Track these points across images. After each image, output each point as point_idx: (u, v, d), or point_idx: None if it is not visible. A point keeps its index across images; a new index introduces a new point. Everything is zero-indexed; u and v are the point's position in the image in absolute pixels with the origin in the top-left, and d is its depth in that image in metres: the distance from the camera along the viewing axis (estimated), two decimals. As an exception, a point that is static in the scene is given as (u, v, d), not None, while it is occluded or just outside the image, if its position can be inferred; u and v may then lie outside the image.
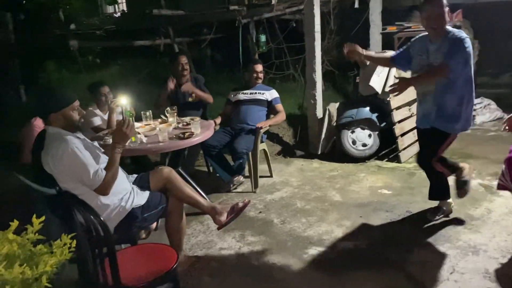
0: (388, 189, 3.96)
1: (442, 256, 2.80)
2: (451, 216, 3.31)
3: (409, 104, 4.97)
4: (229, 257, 3.00)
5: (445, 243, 2.96)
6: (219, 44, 8.82)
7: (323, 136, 5.00)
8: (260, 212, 3.68)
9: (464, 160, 4.46)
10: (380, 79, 4.61)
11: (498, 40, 7.47)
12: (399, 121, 4.76)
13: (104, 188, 2.28)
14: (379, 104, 4.79)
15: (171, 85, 4.35)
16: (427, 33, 2.99)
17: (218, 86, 6.68)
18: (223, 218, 2.68)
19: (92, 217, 1.84)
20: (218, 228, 2.74)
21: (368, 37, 6.18)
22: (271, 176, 4.46)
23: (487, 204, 3.49)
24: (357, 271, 2.71)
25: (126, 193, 2.50)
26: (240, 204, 2.75)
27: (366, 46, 6.26)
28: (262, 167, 4.50)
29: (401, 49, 3.24)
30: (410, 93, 5.03)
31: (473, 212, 3.37)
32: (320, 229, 3.30)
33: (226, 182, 4.15)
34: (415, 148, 4.92)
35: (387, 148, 4.81)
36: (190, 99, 4.43)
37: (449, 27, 2.88)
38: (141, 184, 2.66)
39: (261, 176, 4.41)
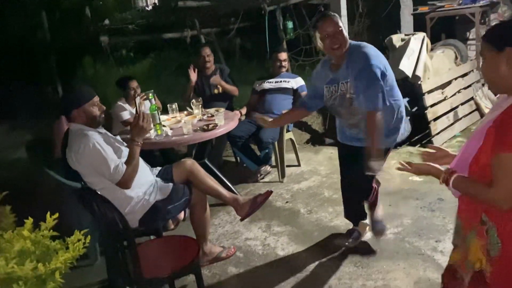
0: (419, 176, 3.83)
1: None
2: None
3: (442, 87, 4.78)
4: (254, 247, 3.01)
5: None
6: (248, 33, 8.78)
7: (352, 122, 4.89)
8: (287, 202, 3.66)
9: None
10: (410, 62, 4.45)
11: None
12: (431, 105, 4.58)
13: (125, 182, 2.33)
14: (410, 87, 4.62)
15: (193, 75, 4.37)
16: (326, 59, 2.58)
17: (247, 75, 6.67)
18: (245, 210, 2.68)
19: (111, 211, 1.89)
20: (241, 219, 2.74)
21: (399, 18, 5.94)
22: (299, 165, 4.42)
23: None
24: (385, 262, 2.65)
25: (150, 186, 2.55)
26: (263, 195, 2.74)
27: (397, 27, 6.04)
28: (290, 156, 4.47)
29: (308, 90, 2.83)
30: (443, 75, 4.87)
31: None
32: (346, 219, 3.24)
33: (253, 172, 4.16)
34: (450, 132, 4.74)
35: (420, 133, 4.65)
36: (215, 91, 4.46)
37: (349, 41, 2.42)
38: (165, 176, 2.70)
39: (288, 166, 4.38)
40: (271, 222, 3.33)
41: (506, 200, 1.34)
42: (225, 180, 3.67)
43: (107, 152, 2.31)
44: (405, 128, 2.64)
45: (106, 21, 7.00)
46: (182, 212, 3.14)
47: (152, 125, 2.83)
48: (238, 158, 4.51)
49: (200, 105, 3.83)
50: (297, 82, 4.33)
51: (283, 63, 4.33)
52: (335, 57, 2.45)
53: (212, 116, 3.64)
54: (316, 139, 5.19)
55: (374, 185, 2.82)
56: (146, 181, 2.53)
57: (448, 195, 3.37)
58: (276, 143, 4.06)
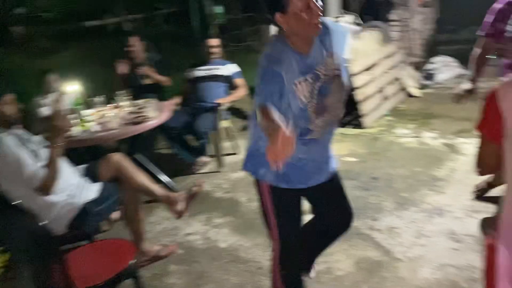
0: (353, 156, 3.93)
1: (408, 221, 2.79)
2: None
3: (369, 68, 4.91)
4: (195, 242, 2.91)
5: (411, 207, 2.95)
6: (178, 18, 8.51)
7: (287, 107, 4.89)
8: (227, 192, 3.59)
9: (427, 121, 4.51)
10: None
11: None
12: (360, 87, 4.69)
13: (45, 188, 2.13)
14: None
15: (122, 69, 4.14)
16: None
17: (178, 62, 6.45)
18: (181, 206, 2.57)
19: (30, 221, 1.70)
20: (177, 218, 2.62)
21: (327, 1, 6.01)
22: (236, 153, 4.35)
23: (450, 164, 3.51)
24: (326, 244, 2.67)
25: (76, 188, 2.36)
26: (196, 188, 2.64)
27: (325, 11, 6.10)
28: (228, 145, 4.39)
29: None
30: (370, 57, 5.00)
31: (437, 173, 3.38)
32: (287, 204, 3.24)
33: (190, 164, 4.03)
34: (379, 112, 4.91)
35: (350, 114, 4.76)
36: (146, 81, 4.27)
37: None
38: (90, 175, 2.51)
39: (226, 154, 4.30)
40: (211, 214, 3.24)
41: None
42: (160, 175, 3.52)
43: (21, 156, 2.08)
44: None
45: (21, 10, 6.43)
46: (116, 212, 2.97)
47: (73, 122, 2.61)
48: (174, 150, 4.33)
49: (129, 97, 3.61)
50: (230, 69, 4.23)
51: (214, 50, 4.20)
52: (307, 38, 1.65)
53: (142, 108, 3.44)
54: (252, 126, 5.14)
55: None
56: (70, 183, 2.34)
57: (381, 173, 3.50)
58: (212, 132, 3.95)
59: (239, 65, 4.45)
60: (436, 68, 6.17)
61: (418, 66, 6.16)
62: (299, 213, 1.91)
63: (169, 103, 3.90)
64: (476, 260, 2.32)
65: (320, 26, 1.59)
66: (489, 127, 1.45)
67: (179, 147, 4.02)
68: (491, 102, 1.44)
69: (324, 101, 1.72)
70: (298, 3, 1.53)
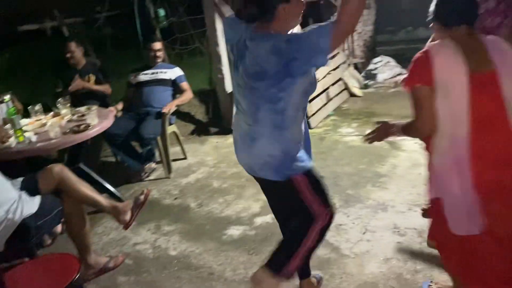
0: (301, 157, 4.00)
1: (354, 218, 2.88)
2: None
3: (314, 69, 5.02)
4: (144, 251, 2.84)
5: (357, 203, 3.05)
6: (119, 21, 8.26)
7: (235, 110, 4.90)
8: (176, 198, 3.54)
9: (369, 119, 4.67)
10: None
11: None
12: (307, 88, 4.79)
13: None
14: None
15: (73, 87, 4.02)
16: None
17: (122, 67, 6.27)
18: (127, 216, 2.49)
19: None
20: (124, 228, 2.55)
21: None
22: (185, 158, 4.31)
23: (392, 160, 3.66)
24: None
25: (13, 203, 2.21)
26: (143, 196, 2.57)
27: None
28: (175, 150, 4.33)
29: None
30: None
31: (380, 169, 3.52)
32: (237, 207, 3.24)
33: (136, 171, 3.93)
34: (324, 112, 5.03)
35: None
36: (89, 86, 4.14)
37: None
38: (29, 188, 2.37)
39: (175, 160, 4.24)
40: (160, 222, 3.18)
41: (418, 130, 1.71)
42: (106, 184, 3.41)
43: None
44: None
45: None
46: (60, 225, 2.84)
47: (9, 133, 2.47)
48: (119, 158, 4.21)
49: (69, 104, 3.47)
50: (175, 73, 4.17)
51: (158, 53, 4.12)
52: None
53: (84, 115, 3.32)
54: (201, 130, 5.11)
55: None
56: (7, 198, 2.19)
57: (327, 172, 3.58)
58: (158, 137, 3.87)
59: (186, 68, 4.40)
60: (377, 68, 6.42)
61: (359, 67, 6.38)
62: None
63: (111, 109, 3.79)
64: (418, 252, 2.45)
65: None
66: (420, 75, 1.64)
67: (124, 155, 3.90)
68: (421, 56, 1.65)
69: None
70: None
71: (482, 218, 1.62)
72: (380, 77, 6.24)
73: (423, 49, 1.68)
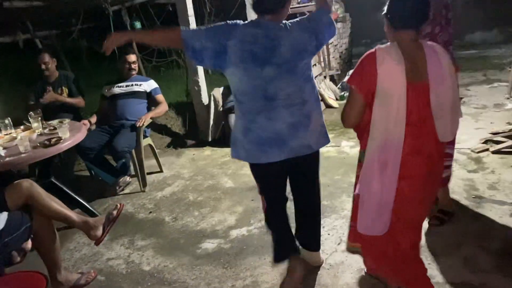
0: (278, 168, 4.00)
1: (329, 228, 2.88)
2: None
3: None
4: (117, 267, 2.78)
5: (332, 214, 3.06)
6: (95, 33, 8.19)
7: (211, 122, 4.89)
8: (151, 212, 3.48)
9: (345, 130, 4.72)
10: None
11: (368, 12, 7.99)
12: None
13: None
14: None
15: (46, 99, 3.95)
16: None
17: (98, 79, 6.20)
18: (99, 232, 2.44)
19: None
20: (96, 244, 2.49)
21: (247, 17, 6.13)
22: (161, 171, 4.26)
23: (367, 170, 3.69)
24: (251, 258, 2.68)
25: (-22, 220, 2.15)
26: (115, 211, 2.53)
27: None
28: (151, 163, 4.28)
29: None
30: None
31: (354, 179, 3.53)
32: (213, 220, 3.22)
33: (111, 185, 3.86)
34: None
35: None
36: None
37: None
38: (-4, 204, 2.30)
39: (150, 173, 4.20)
40: (134, 236, 3.12)
41: (347, 119, 1.88)
42: (79, 198, 3.34)
43: None
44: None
45: None
46: (29, 241, 2.75)
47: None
48: (93, 172, 4.14)
49: (40, 118, 3.40)
50: (150, 85, 4.14)
51: (133, 66, 4.09)
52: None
53: (55, 129, 3.25)
54: (178, 142, 5.07)
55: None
56: (-27, 215, 2.13)
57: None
58: (133, 150, 3.82)
59: (163, 80, 4.38)
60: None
61: (335, 79, 6.47)
62: None
63: (84, 122, 3.73)
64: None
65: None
66: (362, 82, 1.77)
67: (98, 168, 3.84)
68: (368, 62, 1.75)
69: None
70: None
71: (390, 218, 1.82)
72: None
73: (371, 51, 1.78)
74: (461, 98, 5.21)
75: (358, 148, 4.15)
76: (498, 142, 3.81)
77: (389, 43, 1.82)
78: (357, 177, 1.98)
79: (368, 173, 1.84)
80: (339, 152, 4.22)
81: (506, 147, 3.66)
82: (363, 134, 1.89)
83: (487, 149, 3.74)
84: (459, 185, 3.19)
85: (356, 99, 1.81)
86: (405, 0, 1.78)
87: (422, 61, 1.74)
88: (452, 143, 2.62)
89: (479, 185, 3.17)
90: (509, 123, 4.24)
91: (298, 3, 6.02)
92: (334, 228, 2.88)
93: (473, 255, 2.41)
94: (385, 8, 1.82)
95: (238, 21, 1.99)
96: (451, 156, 2.71)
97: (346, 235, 2.74)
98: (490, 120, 4.45)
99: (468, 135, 4.02)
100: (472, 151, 3.75)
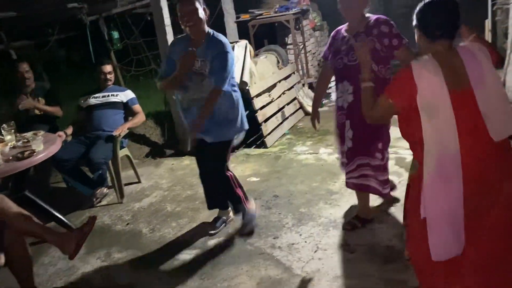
0: (256, 176, 4.02)
1: (306, 236, 2.90)
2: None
3: (268, 90, 5.11)
4: (93, 281, 2.75)
5: (309, 221, 3.08)
6: (74, 44, 8.14)
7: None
8: (128, 223, 3.45)
9: (323, 137, 4.77)
10: (236, 69, 4.62)
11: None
12: (261, 108, 4.85)
13: None
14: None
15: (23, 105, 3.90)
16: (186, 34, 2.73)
17: (77, 89, 6.14)
18: (72, 246, 2.40)
19: None
20: (70, 258, 2.44)
21: (224, 26, 6.17)
22: (139, 181, 4.23)
23: (344, 177, 3.72)
24: (228, 268, 2.67)
25: None
26: (88, 224, 2.49)
27: (223, 35, 6.25)
28: (129, 174, 4.25)
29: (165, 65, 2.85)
30: (268, 79, 5.21)
31: (332, 186, 3.58)
32: (191, 230, 3.20)
33: (88, 197, 3.82)
34: (280, 131, 5.10)
35: (253, 135, 4.88)
36: (36, 112, 4.02)
37: (209, 29, 2.71)
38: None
39: (128, 184, 4.16)
40: (111, 249, 3.09)
41: (372, 118, 1.95)
42: (54, 212, 3.28)
43: None
44: (243, 121, 2.93)
45: None
46: (2, 256, 2.70)
47: None
48: (69, 184, 4.08)
49: (13, 130, 3.33)
50: (126, 95, 4.12)
51: (108, 76, 4.06)
52: (192, 35, 2.67)
53: (29, 141, 3.20)
54: (156, 152, 5.04)
55: (229, 173, 2.99)
56: None
57: (282, 191, 3.61)
58: (110, 162, 3.79)
59: (142, 89, 4.36)
60: (331, 87, 6.58)
61: (314, 86, 6.53)
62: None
63: (59, 134, 3.69)
64: (368, 268, 2.49)
65: (193, 29, 2.62)
66: (401, 97, 1.77)
67: (74, 180, 3.79)
68: (406, 77, 1.73)
69: (187, 82, 2.69)
70: (179, 11, 2.61)
71: (465, 235, 1.69)
72: (334, 95, 6.38)
73: (406, 68, 1.77)
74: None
75: (335, 155, 4.21)
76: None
77: (424, 57, 1.78)
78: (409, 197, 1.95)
79: (431, 192, 1.74)
80: (317, 159, 4.26)
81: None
82: (415, 148, 1.83)
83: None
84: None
85: (391, 109, 1.84)
86: (440, 9, 1.75)
87: (461, 67, 1.71)
88: (376, 152, 2.70)
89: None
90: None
91: (275, 12, 6.08)
92: (311, 236, 2.89)
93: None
94: (415, 19, 1.80)
95: None
96: (378, 168, 2.73)
97: (324, 243, 2.77)
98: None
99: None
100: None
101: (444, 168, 1.69)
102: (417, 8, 1.80)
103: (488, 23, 5.38)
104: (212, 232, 3.06)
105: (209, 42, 2.67)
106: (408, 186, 2.07)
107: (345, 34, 2.74)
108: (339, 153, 3.03)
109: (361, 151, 2.72)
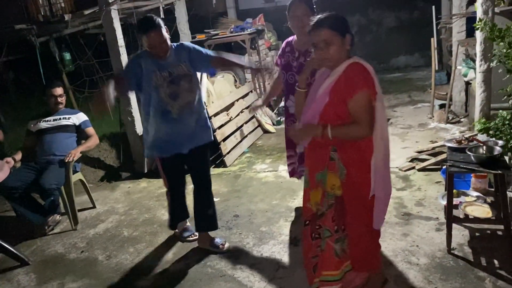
0: (216, 196, 3.94)
1: (268, 255, 2.88)
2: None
3: (226, 109, 5.11)
4: (44, 315, 2.59)
5: (270, 240, 3.06)
6: (23, 65, 7.85)
7: (147, 153, 4.77)
8: (82, 251, 3.30)
9: (282, 154, 4.81)
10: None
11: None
12: (219, 127, 4.84)
13: None
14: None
15: None
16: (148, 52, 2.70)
17: (26, 113, 5.90)
18: None
19: None
20: None
21: (181, 46, 6.15)
22: (94, 206, 4.07)
23: (302, 193, 3.75)
24: (189, 292, 2.60)
25: None
26: None
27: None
28: (83, 199, 4.09)
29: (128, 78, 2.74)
30: (226, 98, 5.22)
31: (292, 203, 3.59)
32: (149, 255, 3.11)
33: (39, 225, 3.63)
34: (239, 150, 5.09)
35: (212, 154, 4.85)
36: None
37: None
38: None
39: (82, 209, 4.01)
40: (64, 279, 2.94)
41: (370, 129, 1.92)
42: (2, 243, 3.10)
43: None
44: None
45: None
46: None
47: None
48: (19, 212, 3.86)
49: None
50: (79, 118, 3.99)
51: (59, 99, 3.92)
52: (161, 56, 2.69)
53: (-28, 169, 3.03)
54: (112, 175, 4.89)
55: None
56: None
57: (242, 210, 3.59)
58: (62, 187, 3.63)
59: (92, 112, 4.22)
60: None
61: (272, 104, 6.60)
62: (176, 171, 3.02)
63: (6, 160, 3.51)
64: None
65: (165, 56, 2.68)
66: (373, 88, 1.93)
67: (24, 208, 3.59)
68: (365, 71, 1.93)
69: (175, 89, 2.71)
70: (148, 43, 2.60)
71: None
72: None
73: (359, 64, 1.95)
74: (389, 119, 5.51)
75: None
76: (423, 160, 4.05)
77: (355, 57, 1.99)
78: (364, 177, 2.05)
79: (382, 172, 2.01)
80: (277, 176, 4.28)
81: (430, 164, 3.89)
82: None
83: (413, 167, 3.96)
84: (389, 203, 3.33)
85: (369, 101, 1.93)
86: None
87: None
88: None
89: (407, 202, 3.33)
90: (432, 142, 4.52)
91: (231, 32, 6.14)
92: (272, 254, 2.88)
93: (403, 272, 2.50)
94: (349, 28, 1.99)
95: None
96: None
97: (285, 261, 2.76)
98: (416, 139, 4.72)
99: (396, 155, 4.23)
100: (400, 169, 3.95)
101: (385, 149, 2.00)
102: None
103: (433, 41, 5.67)
104: (187, 234, 3.20)
105: (176, 51, 2.76)
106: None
107: (295, 49, 2.99)
108: (287, 157, 3.31)
109: None
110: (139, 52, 2.96)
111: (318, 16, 1.99)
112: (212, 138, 3.00)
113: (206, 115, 2.98)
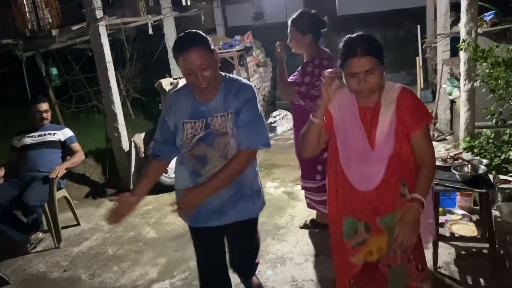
0: (202, 214, 3.93)
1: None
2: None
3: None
4: (24, 337, 2.51)
5: (257, 259, 3.02)
6: (9, 80, 7.78)
7: (133, 169, 4.73)
8: (65, 270, 3.23)
9: (270, 171, 4.79)
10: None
11: (287, 56, 8.37)
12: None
13: None
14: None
15: None
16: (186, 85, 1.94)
17: (12, 127, 5.80)
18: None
19: None
20: None
21: (169, 62, 6.16)
22: (78, 224, 4.00)
23: (290, 211, 3.75)
24: (174, 313, 2.55)
25: None
26: None
27: (167, 71, 6.25)
28: (67, 216, 4.02)
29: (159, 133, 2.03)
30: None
31: (279, 221, 3.57)
32: (133, 274, 3.05)
33: (20, 243, 3.54)
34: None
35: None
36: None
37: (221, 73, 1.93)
38: None
39: (66, 227, 3.93)
40: (45, 299, 2.86)
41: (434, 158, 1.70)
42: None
43: None
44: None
45: None
46: None
47: None
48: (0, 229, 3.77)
49: None
50: (64, 134, 3.94)
51: (44, 115, 3.88)
52: (204, 95, 1.87)
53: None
54: (97, 192, 4.81)
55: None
56: None
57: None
58: (46, 204, 3.56)
59: (83, 126, 4.18)
60: (276, 121, 6.72)
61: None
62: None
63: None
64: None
65: (208, 90, 1.82)
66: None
67: (5, 226, 3.51)
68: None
69: (203, 150, 1.87)
70: (184, 68, 1.78)
71: None
72: (279, 129, 6.52)
73: (405, 86, 1.89)
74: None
75: (282, 189, 4.23)
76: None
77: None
78: None
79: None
80: (265, 193, 4.24)
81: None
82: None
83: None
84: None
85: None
86: None
87: None
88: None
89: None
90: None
91: (219, 49, 6.17)
92: (258, 273, 2.82)
93: None
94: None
95: None
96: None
97: (272, 280, 2.73)
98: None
99: (383, 172, 4.24)
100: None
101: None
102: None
103: (419, 60, 5.77)
104: None
105: (228, 88, 1.88)
106: None
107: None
108: (303, 188, 3.26)
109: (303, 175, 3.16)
110: (173, 94, 2.01)
111: (351, 40, 1.75)
112: (258, 214, 2.14)
113: (259, 184, 2.12)
